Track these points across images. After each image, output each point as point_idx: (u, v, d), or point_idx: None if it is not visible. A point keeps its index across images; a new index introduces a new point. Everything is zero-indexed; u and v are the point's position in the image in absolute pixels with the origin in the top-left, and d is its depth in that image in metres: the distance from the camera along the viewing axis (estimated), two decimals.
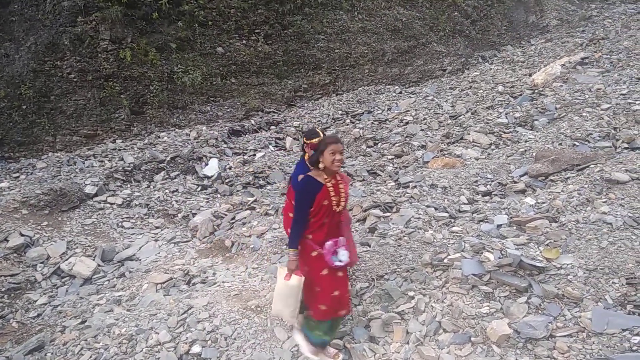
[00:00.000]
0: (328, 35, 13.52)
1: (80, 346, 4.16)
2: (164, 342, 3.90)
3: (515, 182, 6.12)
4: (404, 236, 4.95)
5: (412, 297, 3.87)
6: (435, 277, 4.02)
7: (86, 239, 6.64)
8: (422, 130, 9.02)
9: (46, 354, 4.29)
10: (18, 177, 8.72)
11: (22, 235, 6.44)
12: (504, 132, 8.09)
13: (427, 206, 5.65)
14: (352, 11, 14.06)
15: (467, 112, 9.42)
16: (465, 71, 13.51)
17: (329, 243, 3.31)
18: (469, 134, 8.22)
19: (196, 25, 11.89)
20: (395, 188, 6.54)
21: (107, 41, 10.75)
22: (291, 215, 3.64)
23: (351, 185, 7.26)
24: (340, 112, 11.56)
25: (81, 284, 5.80)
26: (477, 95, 10.35)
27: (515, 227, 4.74)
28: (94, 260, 6.13)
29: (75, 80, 10.52)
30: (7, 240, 6.34)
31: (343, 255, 3.35)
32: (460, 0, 15.84)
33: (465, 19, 15.91)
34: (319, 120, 11.27)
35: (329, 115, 11.50)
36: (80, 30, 10.68)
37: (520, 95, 9.47)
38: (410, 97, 11.75)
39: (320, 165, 3.26)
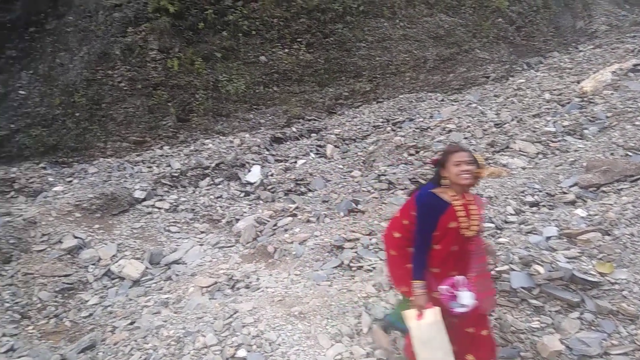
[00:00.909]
0: (369, 43, 13.54)
1: (130, 346, 4.30)
2: (210, 345, 3.98)
3: (565, 193, 5.94)
4: None
5: None
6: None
7: (135, 242, 6.87)
8: (465, 138, 8.88)
9: (98, 353, 4.46)
10: (71, 181, 9.12)
11: (75, 237, 6.73)
12: (552, 141, 7.87)
13: None
14: (393, 19, 14.03)
15: (512, 120, 9.21)
16: (510, 78, 13.20)
17: (442, 287, 2.77)
18: (514, 142, 8.03)
19: (240, 34, 12.16)
20: None
21: (155, 51, 11.16)
22: (396, 235, 3.17)
23: (392, 194, 7.22)
24: (381, 119, 11.53)
25: (130, 286, 6.00)
26: (523, 103, 10.11)
27: (565, 240, 4.60)
28: (142, 263, 6.33)
29: (125, 88, 10.96)
30: (62, 242, 6.64)
31: (465, 298, 2.71)
32: (505, 7, 15.53)
33: (510, 25, 15.58)
34: (360, 128, 11.27)
35: (369, 122, 11.49)
36: (131, 40, 11.14)
37: (569, 103, 9.19)
38: (453, 104, 11.59)
39: (444, 182, 2.84)
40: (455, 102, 11.88)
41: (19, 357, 4.68)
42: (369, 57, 13.41)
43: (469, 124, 9.51)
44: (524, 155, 7.68)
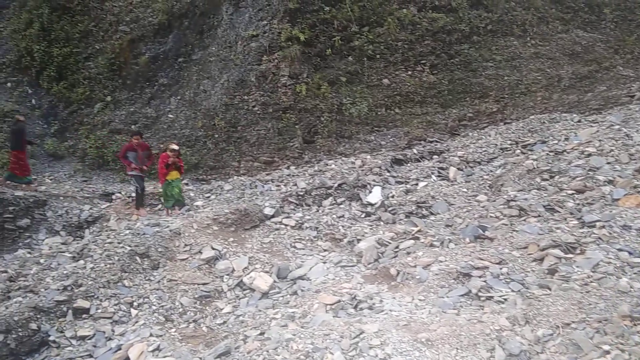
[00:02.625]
0: (497, 63, 13.08)
1: (262, 356, 4.46)
2: None
3: None
4: (591, 282, 4.49)
5: (608, 352, 3.46)
6: (636, 332, 3.56)
7: (264, 256, 7.27)
8: (608, 163, 8.08)
9: (233, 359, 4.74)
10: (209, 197, 9.99)
11: (213, 249, 7.32)
12: None
13: (619, 250, 5.04)
14: (524, 37, 13.43)
15: None
16: None
17: None
18: None
19: (365, 59, 12.52)
20: (578, 227, 5.96)
21: (286, 77, 11.97)
22: None
23: (523, 221, 6.80)
24: (509, 141, 10.96)
25: (259, 298, 6.32)
26: None
27: None
28: (271, 276, 6.67)
29: (258, 112, 11.89)
30: (201, 252, 7.26)
31: None
32: None
33: None
34: (486, 150, 10.83)
35: (496, 145, 10.98)
36: (265, 67, 12.08)
37: None
38: (592, 126, 10.62)
39: None
40: (595, 123, 10.88)
41: (164, 356, 5.15)
42: (497, 76, 12.95)
43: (612, 148, 8.65)
44: None
